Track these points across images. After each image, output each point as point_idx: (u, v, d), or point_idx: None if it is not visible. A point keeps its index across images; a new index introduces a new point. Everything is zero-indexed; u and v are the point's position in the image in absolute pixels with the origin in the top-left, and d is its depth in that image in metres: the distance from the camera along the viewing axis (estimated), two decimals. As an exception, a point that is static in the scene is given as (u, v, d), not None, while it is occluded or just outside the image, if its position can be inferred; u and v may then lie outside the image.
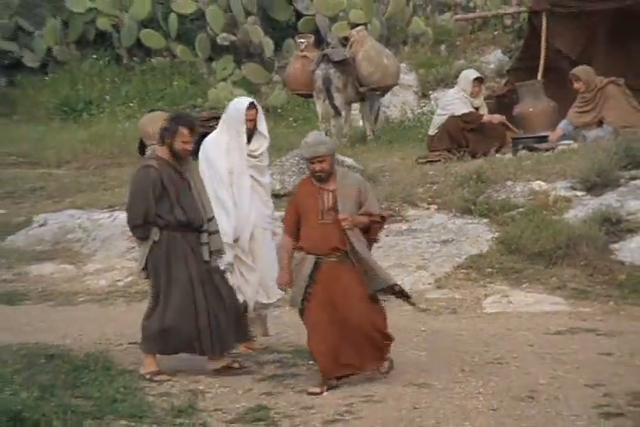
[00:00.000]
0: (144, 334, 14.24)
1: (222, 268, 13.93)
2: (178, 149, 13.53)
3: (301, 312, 12.96)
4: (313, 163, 12.84)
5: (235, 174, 15.50)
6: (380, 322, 12.97)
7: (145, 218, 13.68)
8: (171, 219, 13.53)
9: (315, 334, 12.80)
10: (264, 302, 15.61)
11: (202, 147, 15.79)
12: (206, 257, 13.76)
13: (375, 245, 13.82)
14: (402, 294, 13.17)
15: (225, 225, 15.18)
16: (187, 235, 13.63)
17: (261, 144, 15.88)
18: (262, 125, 15.94)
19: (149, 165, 14.01)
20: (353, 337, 12.76)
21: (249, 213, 15.55)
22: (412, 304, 13.76)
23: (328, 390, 12.80)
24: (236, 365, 14.06)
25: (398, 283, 13.17)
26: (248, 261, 15.49)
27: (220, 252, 14.13)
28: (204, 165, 15.59)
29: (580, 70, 22.67)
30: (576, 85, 22.74)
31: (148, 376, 14.33)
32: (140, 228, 13.81)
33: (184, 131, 13.45)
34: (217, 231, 14.28)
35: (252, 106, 15.83)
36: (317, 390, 12.92)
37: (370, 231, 12.82)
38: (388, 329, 13.25)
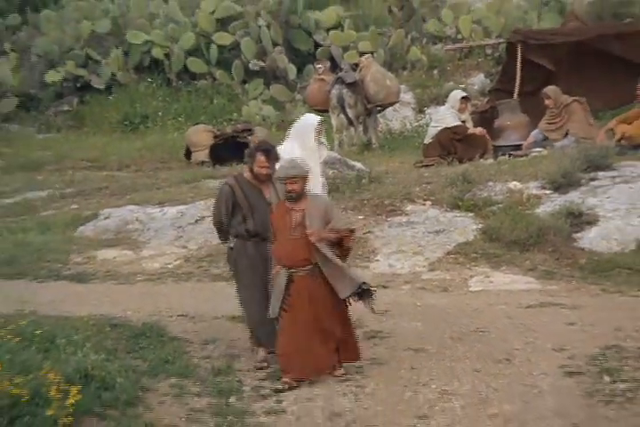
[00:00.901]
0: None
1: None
2: (256, 171, 13.34)
3: (277, 320, 12.71)
4: (287, 183, 12.65)
5: (314, 175, 15.03)
6: (347, 330, 12.80)
7: (220, 225, 13.67)
8: (242, 229, 13.35)
9: (283, 338, 12.61)
10: None
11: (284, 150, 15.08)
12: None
13: (347, 251, 13.66)
14: (368, 294, 12.83)
15: None
16: (258, 244, 13.35)
17: (323, 153, 15.98)
18: (324, 138, 16.00)
19: (226, 183, 13.91)
20: (320, 342, 12.54)
21: None
22: (372, 307, 13.10)
23: (290, 388, 12.52)
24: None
25: (367, 282, 12.87)
26: None
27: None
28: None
29: (550, 89, 22.66)
30: (546, 102, 22.72)
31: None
32: (219, 232, 13.85)
33: (261, 157, 13.25)
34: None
35: (320, 122, 15.86)
36: (283, 386, 12.62)
37: (342, 244, 12.61)
38: (354, 335, 13.14)
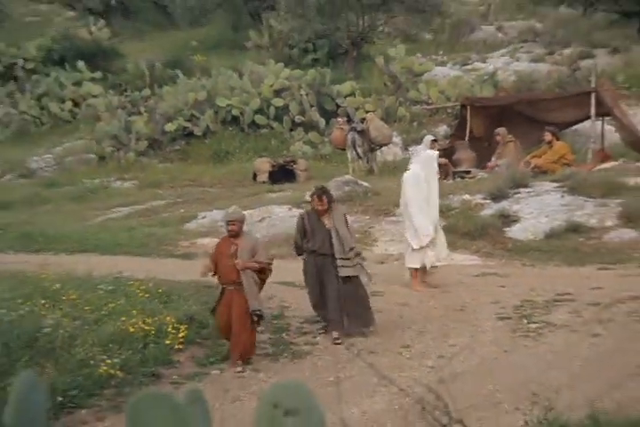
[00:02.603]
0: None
1: (345, 274, 13.02)
2: (314, 207, 13.22)
3: (213, 315, 12.51)
4: (228, 224, 12.45)
5: (432, 191, 15.26)
6: (245, 334, 12.11)
7: (296, 244, 13.47)
8: (307, 247, 13.14)
9: (220, 331, 12.46)
10: (437, 264, 15.40)
11: (410, 174, 15.34)
12: (340, 271, 12.97)
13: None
14: (259, 317, 12.35)
15: (424, 221, 15.02)
16: (318, 257, 13.06)
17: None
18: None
19: (300, 215, 13.80)
20: (233, 340, 12.09)
21: (436, 213, 15.50)
22: (259, 316, 12.48)
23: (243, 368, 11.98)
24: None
25: (260, 309, 12.35)
26: (436, 239, 15.26)
27: (347, 270, 13.04)
28: (410, 186, 15.23)
29: (501, 130, 22.48)
30: (497, 138, 22.61)
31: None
32: (296, 249, 13.61)
33: (315, 198, 13.14)
34: (351, 256, 13.17)
35: (438, 155, 16.18)
36: (239, 369, 11.99)
37: (263, 272, 12.30)
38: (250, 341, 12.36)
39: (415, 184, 15.11)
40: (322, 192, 13.22)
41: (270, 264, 12.49)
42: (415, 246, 15.03)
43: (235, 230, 12.40)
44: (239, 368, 11.97)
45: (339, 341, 12.70)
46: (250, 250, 12.25)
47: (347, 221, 13.46)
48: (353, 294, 13.03)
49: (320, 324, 13.71)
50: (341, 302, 12.94)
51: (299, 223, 13.47)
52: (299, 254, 13.62)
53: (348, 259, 12.99)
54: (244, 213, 14.13)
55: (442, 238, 15.57)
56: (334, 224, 13.06)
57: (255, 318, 12.30)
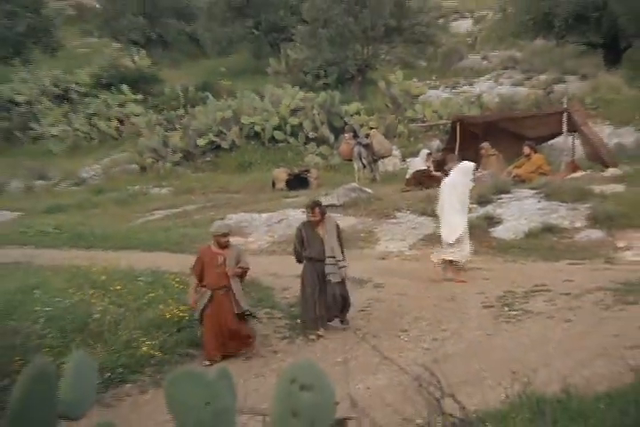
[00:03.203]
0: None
1: (335, 280, 12.58)
2: (309, 219, 12.93)
3: (200, 320, 11.89)
4: (220, 236, 12.03)
5: (465, 196, 15.08)
6: (243, 328, 11.96)
7: (296, 252, 13.06)
8: (305, 254, 12.77)
9: (207, 332, 11.82)
10: (463, 259, 15.06)
11: (449, 181, 15.15)
12: (330, 277, 12.56)
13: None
14: (250, 315, 12.18)
15: (458, 220, 14.87)
16: (314, 263, 12.66)
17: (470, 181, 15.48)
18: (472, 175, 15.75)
19: (298, 227, 13.37)
20: (228, 335, 11.77)
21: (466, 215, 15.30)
22: (255, 317, 12.48)
23: (213, 364, 11.49)
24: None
25: (249, 309, 12.17)
26: (466, 237, 15.09)
27: (336, 275, 12.59)
28: (447, 190, 15.02)
29: (485, 144, 22.48)
30: (482, 151, 22.58)
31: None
32: (296, 256, 13.08)
33: (309, 210, 12.87)
34: (338, 262, 12.69)
35: (475, 168, 15.97)
36: (207, 362, 11.57)
37: (243, 276, 12.10)
38: (249, 331, 12.16)
39: (452, 189, 14.95)
40: (315, 205, 13.00)
41: (248, 269, 12.33)
42: (450, 241, 14.86)
43: (227, 242, 12.19)
44: (249, 355, 11.96)
45: (322, 335, 12.48)
46: (235, 258, 12.08)
47: (338, 232, 13.08)
48: (340, 296, 12.72)
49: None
50: (330, 303, 12.66)
51: (297, 234, 13.17)
52: (299, 261, 13.16)
53: (335, 264, 12.65)
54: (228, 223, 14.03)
55: (467, 238, 15.31)
56: (326, 234, 12.78)
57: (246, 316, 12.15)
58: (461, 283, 14.74)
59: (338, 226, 13.21)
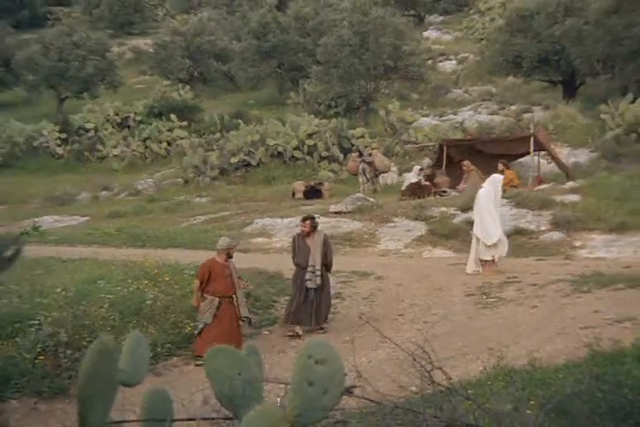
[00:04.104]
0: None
1: (310, 286, 11.88)
2: (301, 230, 12.36)
3: (206, 325, 11.17)
4: (230, 249, 11.53)
5: (497, 204, 14.86)
6: (239, 331, 11.41)
7: (292, 258, 12.43)
8: (295, 261, 12.26)
9: (209, 333, 11.02)
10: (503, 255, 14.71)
11: (483, 192, 14.82)
12: (307, 283, 11.96)
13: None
14: (249, 321, 11.71)
15: (493, 225, 14.45)
16: (301, 270, 12.09)
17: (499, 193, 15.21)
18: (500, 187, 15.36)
19: (292, 236, 13.01)
20: (227, 336, 10.60)
21: (499, 220, 14.84)
22: (250, 323, 11.90)
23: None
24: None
25: (248, 316, 11.64)
26: (504, 238, 14.64)
27: (312, 282, 11.94)
28: (483, 199, 14.70)
29: (466, 162, 22.18)
30: (464, 167, 22.42)
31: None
32: (294, 261, 12.38)
33: (302, 223, 12.40)
34: (316, 270, 12.11)
35: (502, 180, 15.47)
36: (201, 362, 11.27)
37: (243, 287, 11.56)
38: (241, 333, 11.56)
39: (487, 198, 14.68)
40: (307, 218, 12.55)
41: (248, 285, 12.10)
42: (489, 244, 14.45)
43: (230, 255, 11.70)
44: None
45: (301, 333, 11.94)
46: (235, 270, 11.66)
47: (326, 244, 12.39)
48: (322, 300, 12.12)
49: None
50: (313, 305, 12.04)
51: (292, 243, 12.66)
52: (296, 266, 12.56)
53: (313, 272, 12.05)
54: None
55: (504, 239, 14.85)
56: (313, 245, 12.20)
57: (244, 323, 11.70)
58: (493, 275, 14.31)
59: (327, 240, 12.55)
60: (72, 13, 63.20)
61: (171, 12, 61.18)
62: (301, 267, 12.14)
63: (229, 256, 11.67)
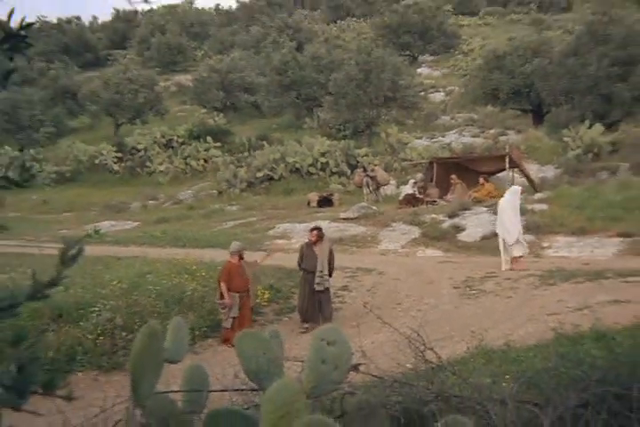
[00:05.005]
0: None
1: (318, 289, 11.60)
2: (309, 239, 11.91)
3: (236, 317, 11.10)
4: (240, 252, 11.42)
5: (517, 210, 14.38)
6: (251, 318, 11.39)
7: (298, 264, 11.90)
8: (303, 267, 11.77)
9: (235, 322, 10.96)
10: (522, 253, 14.32)
11: (505, 200, 14.37)
12: (316, 286, 11.59)
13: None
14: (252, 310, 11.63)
15: (514, 227, 14.10)
16: (308, 274, 11.66)
17: (517, 202, 14.65)
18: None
19: (301, 244, 12.52)
20: (243, 323, 10.77)
21: (520, 223, 14.50)
22: (259, 311, 11.78)
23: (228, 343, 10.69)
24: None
25: (256, 304, 11.74)
26: (521, 239, 14.27)
27: (320, 285, 11.64)
28: (504, 206, 14.25)
29: (453, 176, 22.21)
30: (452, 181, 22.36)
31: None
32: (299, 267, 11.94)
33: (310, 233, 11.97)
34: (324, 275, 11.72)
35: (522, 191, 14.83)
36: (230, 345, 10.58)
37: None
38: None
39: (507, 205, 14.26)
40: (315, 228, 12.17)
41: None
42: (510, 243, 14.07)
43: (242, 257, 11.56)
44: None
45: (308, 327, 11.50)
46: (247, 264, 11.55)
47: (331, 253, 11.91)
48: (326, 300, 11.78)
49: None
50: (319, 304, 11.74)
51: (300, 250, 12.13)
52: (300, 269, 12.16)
53: (321, 277, 11.65)
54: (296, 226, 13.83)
55: (523, 240, 14.47)
56: (321, 252, 11.78)
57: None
58: (522, 270, 13.89)
59: (332, 249, 12.11)
60: (127, 55, 63.62)
61: (208, 53, 61.32)
62: (308, 272, 11.74)
63: (241, 257, 11.57)
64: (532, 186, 22.74)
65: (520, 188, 15.27)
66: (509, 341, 7.96)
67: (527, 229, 17.37)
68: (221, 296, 11.28)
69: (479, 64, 40.27)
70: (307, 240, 12.28)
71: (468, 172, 23.48)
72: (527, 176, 23.31)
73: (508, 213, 14.26)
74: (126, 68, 45.91)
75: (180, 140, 40.21)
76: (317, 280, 11.65)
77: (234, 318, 11.13)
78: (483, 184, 22.06)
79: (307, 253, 11.83)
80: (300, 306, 11.92)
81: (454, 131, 35.77)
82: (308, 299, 11.72)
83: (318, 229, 12.14)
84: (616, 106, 29.37)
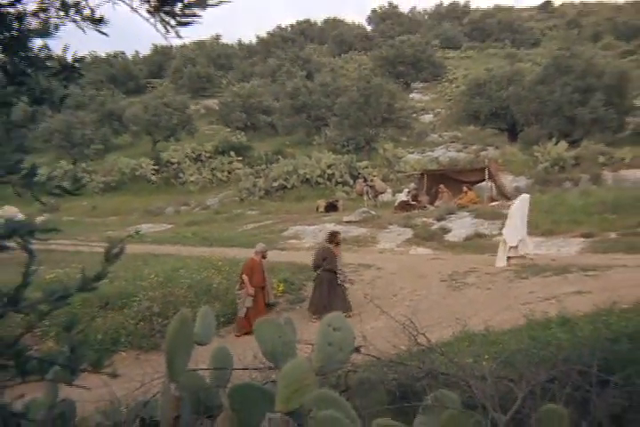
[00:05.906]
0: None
1: (341, 282, 11.52)
2: (328, 245, 11.67)
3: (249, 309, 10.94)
4: (264, 252, 11.42)
5: (525, 215, 13.70)
6: (266, 312, 11.04)
7: (316, 265, 11.62)
8: (325, 266, 11.40)
9: (249, 313, 10.76)
10: (528, 252, 13.80)
11: (515, 206, 13.71)
12: (341, 282, 11.48)
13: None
14: (272, 306, 11.44)
15: (515, 233, 13.49)
16: (328, 273, 11.39)
17: (526, 208, 13.94)
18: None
19: (322, 246, 12.00)
20: (258, 316, 9.84)
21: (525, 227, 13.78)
22: (274, 306, 11.45)
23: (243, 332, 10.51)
24: None
25: (274, 302, 11.43)
26: (527, 239, 13.77)
27: (344, 282, 11.55)
28: (513, 212, 13.62)
29: (441, 186, 22.28)
30: (439, 190, 22.34)
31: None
32: (314, 268, 11.71)
33: (335, 237, 11.73)
34: (344, 273, 11.62)
35: (529, 198, 14.11)
36: (239, 333, 10.62)
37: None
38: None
39: (516, 212, 13.71)
40: (337, 233, 12.18)
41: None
42: (511, 245, 13.58)
43: (266, 256, 11.49)
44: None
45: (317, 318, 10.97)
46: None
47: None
48: (343, 293, 11.66)
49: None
50: (336, 297, 11.50)
51: (319, 252, 11.82)
52: (315, 270, 11.78)
53: (343, 274, 11.60)
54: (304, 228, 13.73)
55: (527, 240, 13.96)
56: (339, 254, 11.77)
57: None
58: (518, 263, 13.53)
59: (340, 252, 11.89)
60: (163, 83, 63.85)
61: (232, 81, 61.49)
62: (329, 271, 11.47)
63: (264, 257, 11.50)
64: (503, 194, 22.64)
65: (529, 195, 14.63)
66: (489, 326, 7.90)
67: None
68: (240, 287, 11.25)
69: (462, 90, 40.33)
70: (325, 243, 12.03)
71: (453, 182, 23.42)
72: (498, 187, 23.18)
73: (515, 218, 13.87)
74: (163, 95, 46.07)
75: (208, 155, 40.21)
76: (341, 278, 11.53)
77: (247, 308, 11.05)
78: (466, 192, 22.03)
79: (328, 254, 11.58)
80: (316, 303, 11.52)
81: (441, 147, 35.71)
82: (328, 295, 11.42)
83: (338, 233, 12.07)
84: (578, 126, 29.78)
